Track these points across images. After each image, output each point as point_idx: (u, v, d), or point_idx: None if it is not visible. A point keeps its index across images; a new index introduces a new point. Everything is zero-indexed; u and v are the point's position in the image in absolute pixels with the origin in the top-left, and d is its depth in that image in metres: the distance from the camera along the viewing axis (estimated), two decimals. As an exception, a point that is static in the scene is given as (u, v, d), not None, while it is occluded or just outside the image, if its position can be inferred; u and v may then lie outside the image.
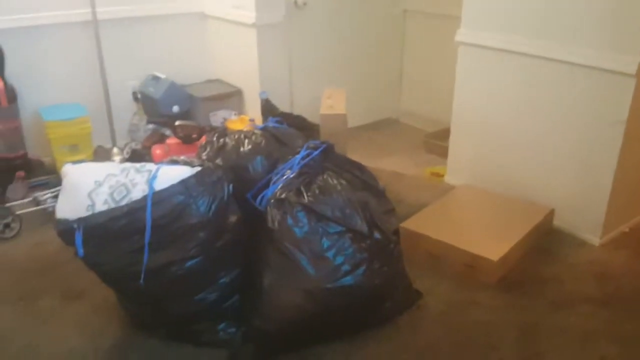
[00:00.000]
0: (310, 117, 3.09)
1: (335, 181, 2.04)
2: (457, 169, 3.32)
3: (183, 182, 1.85)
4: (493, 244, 2.47)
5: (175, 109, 3.59)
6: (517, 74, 2.84)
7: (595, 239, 2.70)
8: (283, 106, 3.34)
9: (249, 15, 3.48)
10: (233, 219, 1.96)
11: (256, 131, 2.29)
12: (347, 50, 4.03)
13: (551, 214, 2.80)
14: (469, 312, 2.25)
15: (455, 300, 2.32)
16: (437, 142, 3.74)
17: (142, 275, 1.80)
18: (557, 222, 2.83)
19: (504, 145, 3.00)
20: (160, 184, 1.84)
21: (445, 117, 3.35)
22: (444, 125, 3.47)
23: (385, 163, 3.64)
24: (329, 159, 2.15)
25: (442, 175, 3.44)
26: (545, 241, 2.72)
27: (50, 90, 3.46)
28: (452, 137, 3.33)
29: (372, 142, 4.04)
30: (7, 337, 2.09)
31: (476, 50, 3.00)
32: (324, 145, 2.15)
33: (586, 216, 2.71)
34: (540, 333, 2.13)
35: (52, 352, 2.02)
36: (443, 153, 3.47)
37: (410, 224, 2.66)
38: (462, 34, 3.04)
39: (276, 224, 1.94)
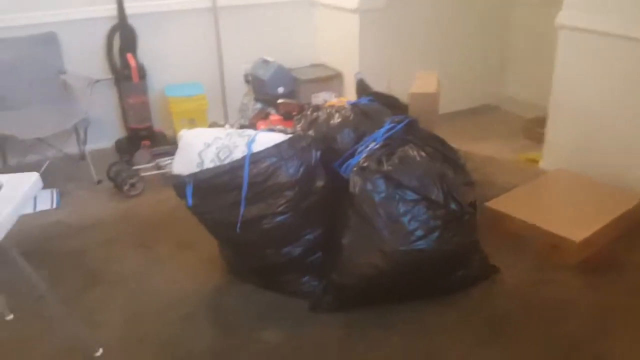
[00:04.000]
0: (407, 99, 3.22)
1: (415, 153, 2.18)
2: (553, 155, 3.30)
3: (276, 146, 2.10)
4: (577, 226, 2.48)
5: (281, 89, 3.88)
6: (619, 59, 2.78)
7: (692, 230, 2.61)
8: (380, 89, 3.47)
9: (352, 0, 3.67)
10: (320, 183, 2.18)
11: (346, 106, 2.48)
12: (449, 35, 4.09)
13: (645, 202, 2.73)
14: (544, 289, 2.30)
15: (531, 278, 2.37)
16: (535, 128, 3.71)
17: (239, 225, 2.08)
18: (652, 211, 2.75)
19: (602, 132, 2.95)
20: (258, 147, 2.10)
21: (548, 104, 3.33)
22: (546, 112, 3.44)
23: (480, 147, 3.68)
24: (412, 132, 2.30)
25: (538, 162, 3.43)
26: (636, 229, 2.66)
27: (174, 70, 3.88)
28: (549, 123, 3.30)
29: (469, 127, 4.08)
30: (128, 275, 2.48)
31: (577, 34, 2.97)
32: (407, 120, 2.30)
33: (685, 206, 2.62)
34: (612, 313, 2.14)
35: (164, 289, 2.37)
36: (541, 140, 3.45)
37: (496, 204, 2.73)
38: (563, 17, 3.02)
39: (357, 189, 2.12)
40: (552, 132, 3.29)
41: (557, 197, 2.90)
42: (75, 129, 3.42)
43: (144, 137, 3.60)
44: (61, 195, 3.18)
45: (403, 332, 2.08)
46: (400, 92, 3.21)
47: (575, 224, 2.50)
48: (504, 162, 3.49)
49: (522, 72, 4.24)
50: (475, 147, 3.66)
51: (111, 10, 3.51)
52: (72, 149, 3.63)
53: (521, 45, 4.21)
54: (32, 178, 1.72)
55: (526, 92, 4.19)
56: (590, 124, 3.01)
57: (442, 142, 2.32)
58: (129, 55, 3.50)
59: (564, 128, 3.18)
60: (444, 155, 2.26)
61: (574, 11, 2.96)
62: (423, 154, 2.19)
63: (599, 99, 2.93)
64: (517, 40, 4.24)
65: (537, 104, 3.79)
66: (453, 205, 2.12)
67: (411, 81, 3.33)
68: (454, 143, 2.48)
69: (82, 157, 3.58)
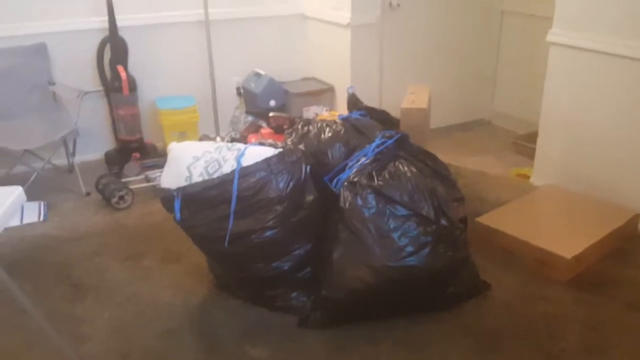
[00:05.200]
0: (398, 114, 3.22)
1: (406, 168, 2.17)
2: (543, 171, 3.30)
3: (266, 160, 2.08)
4: (569, 242, 2.47)
5: (272, 103, 3.88)
6: (609, 75, 2.79)
7: (682, 247, 2.61)
8: (372, 103, 3.49)
9: (344, 16, 3.68)
10: (309, 198, 2.16)
11: (337, 121, 2.47)
12: (441, 50, 4.11)
13: (636, 218, 2.73)
14: (536, 304, 2.29)
15: (523, 293, 2.36)
16: (526, 143, 3.72)
17: (227, 239, 2.05)
18: (643, 228, 2.75)
19: (593, 148, 2.95)
20: (247, 161, 2.08)
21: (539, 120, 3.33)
22: (537, 128, 3.46)
23: (471, 162, 3.68)
24: (403, 148, 2.29)
25: (528, 177, 3.43)
26: (627, 245, 2.66)
27: (166, 82, 3.87)
28: (540, 138, 3.31)
29: (460, 142, 4.08)
30: (115, 288, 2.44)
31: (568, 51, 2.98)
32: (398, 135, 2.29)
33: (675, 223, 2.63)
34: (607, 331, 2.12)
35: (150, 303, 2.33)
36: (532, 155, 3.45)
37: (486, 219, 2.72)
38: (554, 34, 3.03)
39: (347, 204, 2.10)
40: (543, 148, 3.30)
41: (548, 212, 2.90)
42: (64, 141, 3.39)
43: (134, 150, 3.57)
44: (49, 208, 3.14)
45: (392, 348, 2.05)
46: (392, 107, 3.22)
47: (567, 240, 2.49)
48: (495, 177, 3.49)
49: (514, 88, 4.26)
50: (467, 163, 3.66)
51: (102, 22, 3.50)
52: (60, 160, 3.60)
53: (513, 61, 4.24)
54: (16, 192, 1.68)
55: (518, 107, 4.20)
56: (580, 140, 3.02)
57: (433, 158, 2.31)
58: (120, 67, 3.48)
59: (554, 144, 3.19)
60: (435, 170, 2.25)
61: (564, 29, 2.97)
62: (414, 169, 2.17)
63: (589, 116, 2.94)
64: (509, 56, 4.27)
65: (529, 119, 3.81)
66: (444, 221, 2.11)
67: (403, 96, 3.33)
68: (445, 158, 2.47)
69: (70, 169, 3.55)
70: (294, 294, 2.21)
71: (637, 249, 2.65)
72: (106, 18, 3.47)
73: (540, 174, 3.32)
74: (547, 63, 3.12)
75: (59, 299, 2.37)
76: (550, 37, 3.06)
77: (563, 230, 2.62)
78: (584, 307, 2.25)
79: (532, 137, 3.46)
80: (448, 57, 4.16)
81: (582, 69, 2.93)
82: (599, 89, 2.86)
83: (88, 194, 3.28)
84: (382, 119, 2.80)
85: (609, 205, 2.80)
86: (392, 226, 2.06)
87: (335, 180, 2.26)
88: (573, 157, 3.08)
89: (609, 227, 2.60)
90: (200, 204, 2.08)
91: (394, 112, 3.20)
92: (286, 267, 2.14)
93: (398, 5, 3.76)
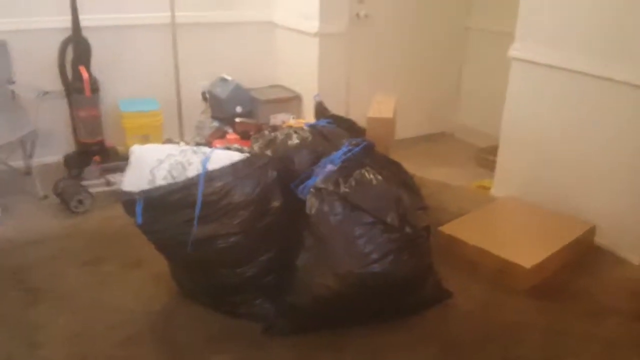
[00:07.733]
0: (365, 123, 3.24)
1: (371, 176, 2.19)
2: (503, 183, 3.38)
3: (232, 165, 2.06)
4: (528, 253, 2.52)
5: (238, 109, 3.86)
6: (567, 91, 2.88)
7: (635, 258, 2.70)
8: (339, 112, 3.50)
9: (313, 25, 3.71)
10: (276, 204, 2.14)
11: (304, 128, 2.47)
12: (406, 63, 4.16)
13: (592, 230, 2.81)
14: (497, 313, 2.33)
15: (484, 302, 2.40)
16: (487, 156, 3.80)
17: (190, 244, 2.01)
18: (598, 240, 2.84)
19: (551, 161, 3.04)
20: (213, 165, 2.06)
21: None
22: (498, 141, 3.53)
23: (434, 173, 3.73)
24: (369, 156, 2.30)
25: (489, 189, 3.50)
26: (584, 256, 2.74)
27: (129, 85, 3.80)
28: (500, 151, 3.39)
29: (424, 153, 4.14)
30: (72, 293, 2.37)
31: (528, 66, 3.07)
32: (364, 143, 2.31)
33: (628, 235, 2.71)
34: (565, 338, 2.18)
35: (109, 309, 2.27)
36: (493, 168, 3.53)
37: (448, 229, 2.76)
38: (515, 49, 3.12)
39: (313, 210, 2.10)
40: (503, 161, 3.38)
41: (508, 223, 2.96)
42: (22, 142, 3.28)
43: (95, 152, 3.49)
44: (4, 210, 3.03)
45: (356, 356, 2.05)
46: (359, 116, 3.24)
47: (526, 250, 2.55)
48: (457, 188, 3.55)
49: (477, 102, 4.35)
50: (430, 174, 3.71)
51: (65, 21, 3.42)
52: (18, 162, 3.48)
53: (477, 76, 4.33)
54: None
55: (480, 121, 4.29)
56: (539, 153, 3.10)
57: (398, 166, 2.34)
58: (82, 68, 3.40)
59: (514, 157, 3.27)
60: (400, 179, 2.28)
61: (525, 44, 3.06)
62: (379, 177, 2.19)
63: (548, 130, 3.03)
64: (473, 71, 4.37)
65: (491, 133, 3.88)
66: (408, 229, 2.13)
67: (369, 105, 3.36)
68: (409, 169, 2.50)
69: (28, 171, 3.43)
70: (259, 301, 2.19)
71: (594, 260, 2.73)
72: (69, 17, 3.39)
73: (501, 186, 3.40)
74: (509, 77, 3.20)
75: (12, 304, 2.28)
76: (511, 52, 3.14)
77: (522, 240, 2.69)
78: (544, 316, 2.30)
79: (494, 150, 3.54)
80: (414, 69, 4.22)
81: (541, 84, 3.02)
82: (558, 104, 2.95)
83: (45, 197, 3.19)
84: (349, 127, 2.81)
85: (566, 217, 2.88)
86: (357, 233, 2.06)
87: (301, 186, 2.25)
88: (532, 170, 3.16)
89: (567, 239, 2.67)
90: (163, 208, 2.04)
91: (361, 121, 3.22)
92: (251, 273, 2.12)
93: (366, 15, 3.80)
